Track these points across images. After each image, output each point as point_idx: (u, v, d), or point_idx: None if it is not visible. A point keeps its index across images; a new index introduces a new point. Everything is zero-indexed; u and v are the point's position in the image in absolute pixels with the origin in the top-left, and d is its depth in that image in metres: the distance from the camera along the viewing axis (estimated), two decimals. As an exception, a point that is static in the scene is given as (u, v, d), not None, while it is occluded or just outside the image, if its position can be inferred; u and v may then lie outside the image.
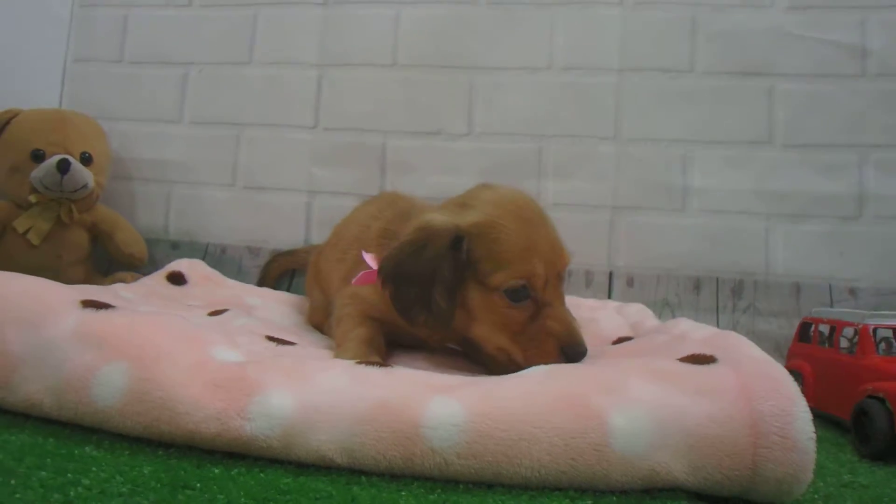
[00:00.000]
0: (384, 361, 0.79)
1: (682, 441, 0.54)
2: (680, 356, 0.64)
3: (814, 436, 0.54)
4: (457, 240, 0.75)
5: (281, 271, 1.37)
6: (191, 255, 1.35)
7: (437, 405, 0.56)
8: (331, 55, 1.39)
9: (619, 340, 0.96)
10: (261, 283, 1.35)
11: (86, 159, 1.30)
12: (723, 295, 1.22)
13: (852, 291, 1.19)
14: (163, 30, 1.46)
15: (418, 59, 1.36)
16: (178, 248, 1.41)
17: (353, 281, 0.86)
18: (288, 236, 1.39)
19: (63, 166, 1.24)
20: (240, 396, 0.58)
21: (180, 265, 1.25)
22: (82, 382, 0.60)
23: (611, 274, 1.26)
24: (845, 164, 1.21)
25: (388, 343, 0.88)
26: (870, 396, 0.80)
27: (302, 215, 1.39)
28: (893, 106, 1.19)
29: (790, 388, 0.56)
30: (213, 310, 1.03)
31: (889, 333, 0.92)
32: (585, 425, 0.54)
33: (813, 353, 0.99)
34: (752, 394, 0.56)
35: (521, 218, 0.75)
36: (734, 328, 1.21)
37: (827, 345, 0.97)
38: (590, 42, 1.30)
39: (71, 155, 1.27)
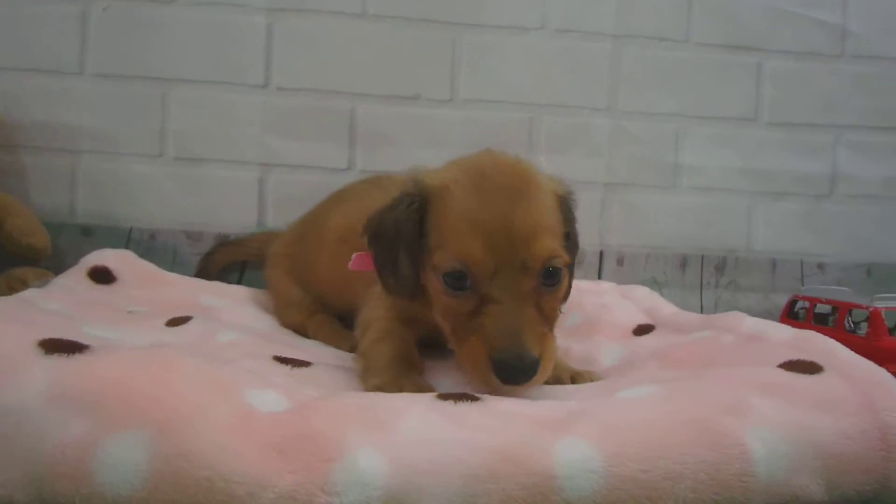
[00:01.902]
0: (421, 374, 0.70)
1: (818, 460, 0.51)
2: (777, 363, 0.60)
3: None
4: (421, 199, 0.64)
5: (225, 264, 1.17)
6: (108, 243, 1.10)
7: (566, 449, 0.47)
8: (284, -2, 1.15)
9: (640, 329, 0.93)
10: (200, 276, 1.14)
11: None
12: (707, 272, 1.24)
13: (820, 266, 1.26)
14: (46, -52, 1.11)
15: (393, 10, 1.17)
16: (92, 235, 1.15)
17: (350, 265, 0.74)
18: (237, 218, 1.18)
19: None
20: (316, 463, 0.44)
21: (104, 257, 1.01)
22: (78, 466, 0.43)
23: (601, 253, 1.23)
24: (821, 145, 1.25)
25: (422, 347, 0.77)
26: None
27: (253, 193, 1.18)
28: (868, 88, 1.24)
29: None
30: (170, 318, 0.85)
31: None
32: (727, 454, 0.49)
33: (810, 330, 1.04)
34: (875, 405, 0.54)
35: (477, 186, 0.61)
36: (716, 304, 1.24)
37: (825, 324, 1.02)
38: (584, 2, 1.19)
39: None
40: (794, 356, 0.61)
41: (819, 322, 1.03)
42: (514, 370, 0.56)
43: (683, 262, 1.24)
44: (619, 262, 1.23)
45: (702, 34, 1.21)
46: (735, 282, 1.24)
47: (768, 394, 0.54)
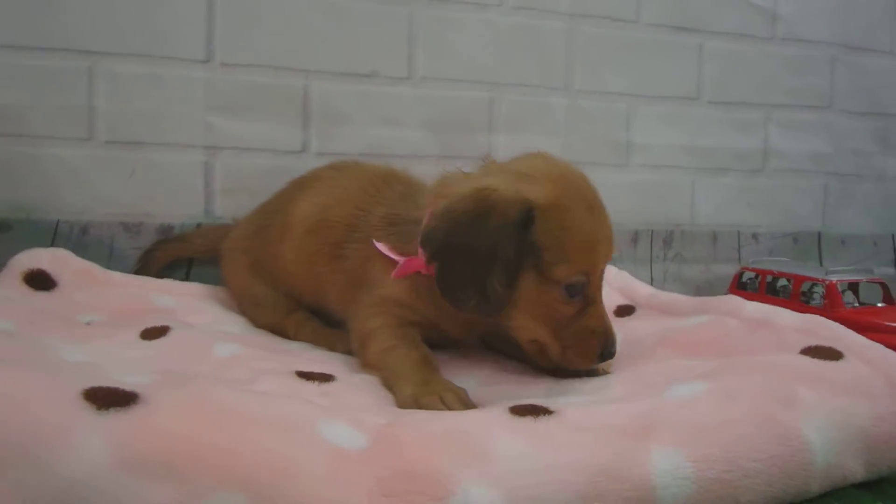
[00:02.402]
0: (443, 377, 0.69)
1: (861, 443, 0.56)
2: (797, 350, 0.65)
3: None
4: (527, 216, 0.65)
5: (168, 262, 1.07)
6: (30, 239, 0.99)
7: (660, 459, 0.49)
8: (227, -35, 1.06)
9: (621, 310, 0.96)
10: (140, 274, 1.04)
11: None
12: (656, 246, 1.30)
13: (755, 237, 1.35)
14: None
15: (348, -18, 1.11)
16: (11, 230, 1.01)
17: (395, 273, 0.72)
18: (181, 207, 1.08)
19: None
20: (428, 503, 0.43)
21: (38, 259, 0.91)
22: None
23: (559, 232, 1.25)
24: (754, 122, 1.33)
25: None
26: None
27: (199, 179, 1.09)
28: (796, 69, 1.33)
29: None
30: (142, 329, 0.77)
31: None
32: (791, 447, 0.53)
33: (763, 300, 1.10)
34: None
35: (588, 205, 0.69)
36: (664, 276, 1.30)
37: (782, 295, 1.09)
38: (541, -20, 1.19)
39: None
40: (811, 342, 0.65)
41: (771, 293, 1.11)
42: (613, 354, 0.71)
43: (635, 237, 1.28)
44: (576, 239, 1.25)
45: (650, 15, 1.25)
46: (681, 254, 1.31)
47: (808, 383, 0.58)
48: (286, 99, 1.10)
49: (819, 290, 1.02)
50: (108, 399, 0.44)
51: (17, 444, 0.40)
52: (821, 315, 0.97)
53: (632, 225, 1.28)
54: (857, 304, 1.04)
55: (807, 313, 0.96)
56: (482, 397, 0.66)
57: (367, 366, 0.73)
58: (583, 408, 0.56)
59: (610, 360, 0.76)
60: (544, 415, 0.53)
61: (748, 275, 1.17)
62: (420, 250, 0.70)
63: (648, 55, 1.25)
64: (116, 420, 0.43)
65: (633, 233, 1.28)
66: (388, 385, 0.68)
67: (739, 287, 1.17)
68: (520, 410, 0.53)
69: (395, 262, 0.74)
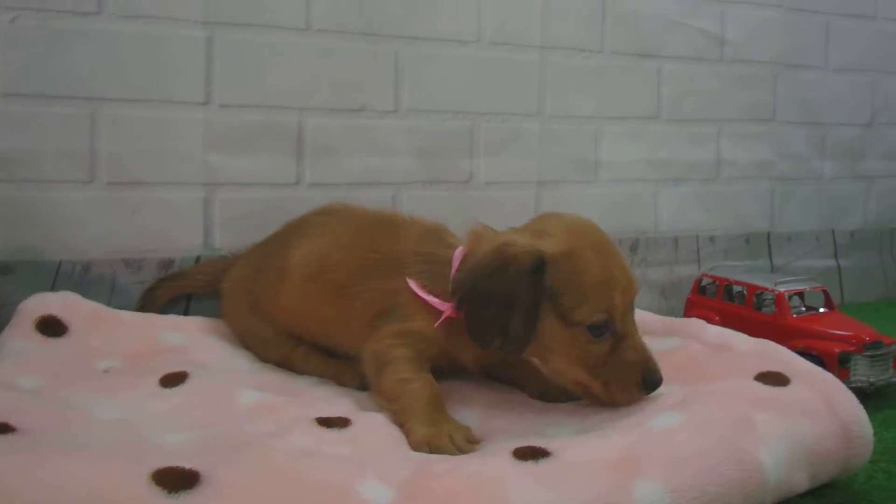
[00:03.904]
0: (450, 415, 0.77)
1: (806, 459, 0.66)
2: (751, 375, 0.74)
3: (872, 430, 0.70)
4: (539, 265, 0.73)
5: (169, 298, 1.10)
6: (34, 280, 1.03)
7: (644, 493, 0.56)
8: (223, 11, 1.11)
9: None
10: (141, 311, 1.08)
11: None
12: (624, 253, 1.41)
13: (711, 240, 1.48)
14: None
15: (337, 25, 1.17)
16: (13, 273, 1.04)
17: (437, 324, 0.79)
18: (181, 242, 1.13)
19: None
20: None
21: (48, 305, 0.94)
22: None
23: (537, 245, 1.35)
24: (708, 136, 1.46)
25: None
26: (801, 353, 1.04)
27: (198, 215, 1.14)
28: (743, 87, 1.47)
29: (853, 396, 0.72)
30: (161, 375, 0.83)
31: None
32: (749, 469, 0.61)
33: (720, 307, 1.23)
34: (835, 408, 0.69)
35: (599, 248, 0.75)
36: (633, 280, 1.42)
37: (737, 301, 1.22)
38: (515, 17, 1.28)
39: None
40: (763, 368, 0.75)
41: (728, 298, 1.23)
42: (658, 382, 0.74)
43: (606, 247, 1.40)
44: (553, 251, 1.36)
45: (614, 44, 1.36)
46: (646, 259, 1.43)
47: (762, 408, 0.67)
48: (281, 135, 1.17)
49: (770, 297, 1.13)
50: (175, 482, 0.51)
51: None
52: (772, 321, 1.10)
53: (602, 235, 1.39)
54: (803, 309, 1.15)
55: (763, 323, 1.10)
56: (484, 430, 0.74)
57: (380, 393, 0.78)
58: (575, 444, 0.64)
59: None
60: (543, 457, 0.60)
61: (707, 280, 1.28)
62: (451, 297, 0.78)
63: (613, 80, 1.36)
64: (186, 502, 0.50)
65: (604, 242, 1.40)
66: (400, 422, 0.73)
67: (700, 292, 1.29)
68: (522, 454, 0.60)
69: (419, 297, 0.81)
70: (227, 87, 1.13)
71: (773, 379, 0.73)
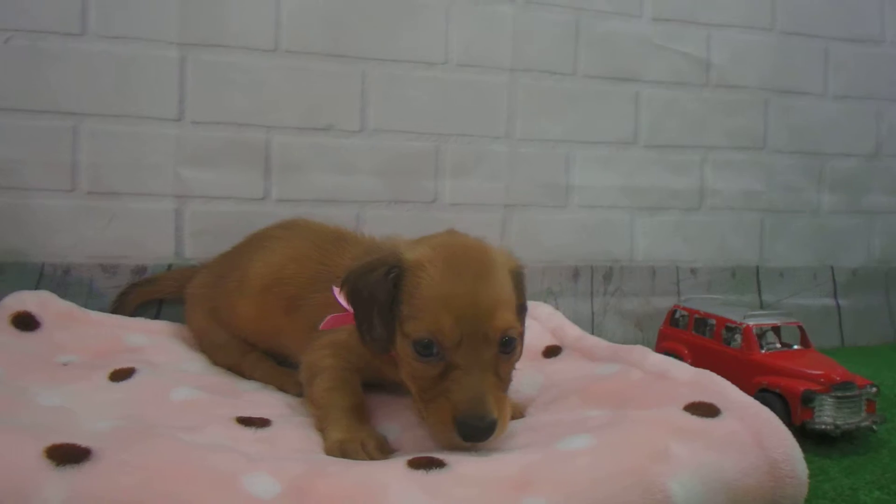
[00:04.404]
0: (370, 425, 0.79)
1: (724, 494, 0.63)
2: (681, 404, 0.72)
3: (808, 471, 0.67)
4: (394, 271, 0.72)
5: (140, 302, 1.18)
6: (19, 280, 1.11)
7: None
8: (196, 33, 1.18)
9: (549, 350, 1.04)
10: (115, 313, 1.15)
11: None
12: (596, 281, 1.39)
13: (693, 271, 1.44)
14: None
15: (304, 46, 1.22)
16: (3, 273, 1.14)
17: (322, 325, 0.81)
18: (154, 250, 1.20)
19: None
20: None
21: (24, 302, 1.02)
22: None
23: (504, 267, 1.35)
24: (690, 163, 1.42)
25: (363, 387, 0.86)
26: (763, 390, 1.00)
27: (170, 225, 1.21)
28: (729, 113, 1.42)
29: (787, 433, 0.68)
30: (111, 370, 0.88)
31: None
32: (656, 500, 0.59)
33: (689, 339, 1.19)
34: (764, 443, 0.66)
35: (450, 266, 0.70)
36: (605, 309, 1.39)
37: (706, 334, 1.17)
38: (484, 39, 1.30)
39: None
40: (696, 398, 0.73)
41: (699, 331, 1.19)
42: (476, 430, 0.65)
43: (575, 273, 1.38)
44: (521, 274, 1.35)
45: (587, 67, 1.35)
46: (621, 289, 1.40)
47: (682, 439, 0.65)
48: (249, 152, 1.22)
49: (739, 330, 1.08)
50: (65, 456, 0.55)
51: None
52: (738, 356, 1.06)
53: (571, 261, 1.38)
54: (778, 346, 1.10)
55: (729, 357, 1.06)
56: (402, 443, 0.75)
57: (310, 400, 0.81)
58: (474, 460, 0.64)
59: (520, 404, 0.85)
60: (437, 467, 0.61)
61: (681, 312, 1.25)
62: None
63: (586, 104, 1.35)
64: (71, 475, 0.53)
65: (573, 269, 1.38)
66: (320, 428, 0.76)
67: (672, 323, 1.25)
68: (416, 463, 0.61)
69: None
70: (199, 105, 1.20)
71: (703, 410, 0.70)
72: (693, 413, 0.70)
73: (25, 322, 0.98)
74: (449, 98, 1.29)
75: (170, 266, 1.21)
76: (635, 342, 1.29)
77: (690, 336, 1.19)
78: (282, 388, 0.94)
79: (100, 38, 1.15)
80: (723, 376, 1.06)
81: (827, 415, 0.93)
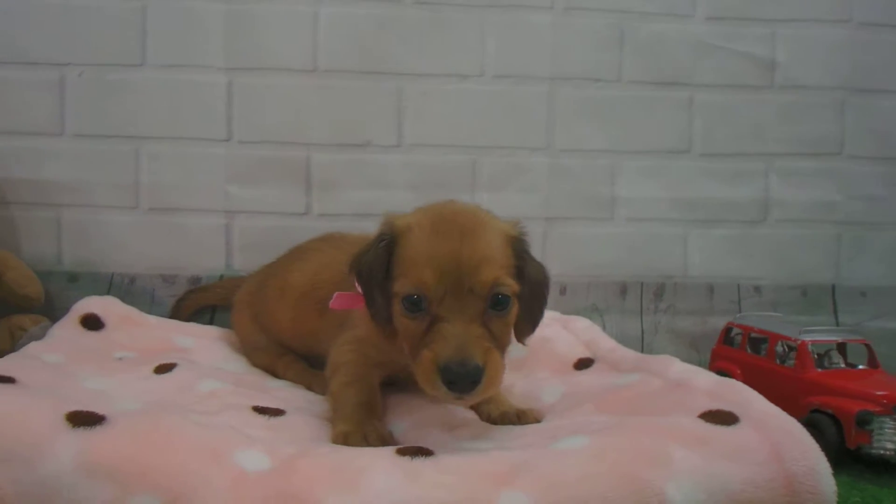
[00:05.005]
0: (382, 419, 0.80)
1: None
2: (697, 412, 0.67)
3: (835, 488, 0.61)
4: (388, 237, 0.74)
5: (195, 308, 1.27)
6: (93, 288, 1.23)
7: (508, 502, 0.56)
8: (240, 58, 1.25)
9: (581, 363, 1.00)
10: (173, 318, 1.25)
11: (-43, 193, 1.11)
12: (646, 298, 1.31)
13: (757, 289, 1.32)
14: (26, 22, 1.23)
15: (341, 65, 1.26)
16: (78, 281, 1.27)
17: (331, 304, 0.83)
18: (207, 262, 1.29)
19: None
20: None
21: (91, 305, 1.12)
22: None
23: (545, 283, 1.31)
24: (752, 172, 1.31)
25: (385, 385, 0.88)
26: (816, 411, 0.91)
27: (221, 239, 1.29)
28: (795, 117, 1.29)
29: (813, 445, 0.62)
30: (157, 364, 0.95)
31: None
32: (648, 502, 0.56)
33: (742, 358, 1.10)
34: (782, 455, 0.61)
35: (435, 226, 0.72)
36: (656, 328, 1.31)
37: (759, 353, 1.08)
38: (521, 49, 1.27)
39: (-66, 192, 1.08)
40: (714, 406, 0.68)
41: (754, 350, 1.09)
42: (458, 376, 0.64)
43: (623, 289, 1.31)
44: (562, 291, 1.31)
45: (633, 73, 1.28)
46: (674, 306, 1.31)
47: (687, 445, 0.61)
48: (291, 169, 1.28)
49: (793, 348, 0.99)
50: (81, 420, 0.61)
51: (10, 448, 0.57)
52: (791, 375, 0.97)
53: (618, 277, 1.31)
54: (842, 366, 1.00)
55: (781, 377, 0.98)
56: (407, 439, 0.76)
57: (329, 393, 0.84)
58: (465, 453, 0.64)
59: (537, 410, 0.83)
60: (422, 456, 0.62)
61: (735, 330, 1.15)
62: None
63: (632, 112, 1.28)
64: (83, 435, 0.59)
65: (620, 284, 1.31)
66: (331, 419, 0.79)
67: (726, 342, 1.16)
68: (404, 451, 0.62)
69: None
70: (244, 125, 1.27)
71: (719, 418, 0.66)
72: (708, 421, 0.65)
73: (92, 322, 1.09)
74: (485, 110, 1.27)
75: (221, 277, 1.29)
76: (690, 363, 1.21)
77: (744, 355, 1.10)
78: (309, 388, 0.99)
79: (156, 68, 1.25)
80: (774, 398, 0.98)
81: (888, 439, 0.84)
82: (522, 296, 0.74)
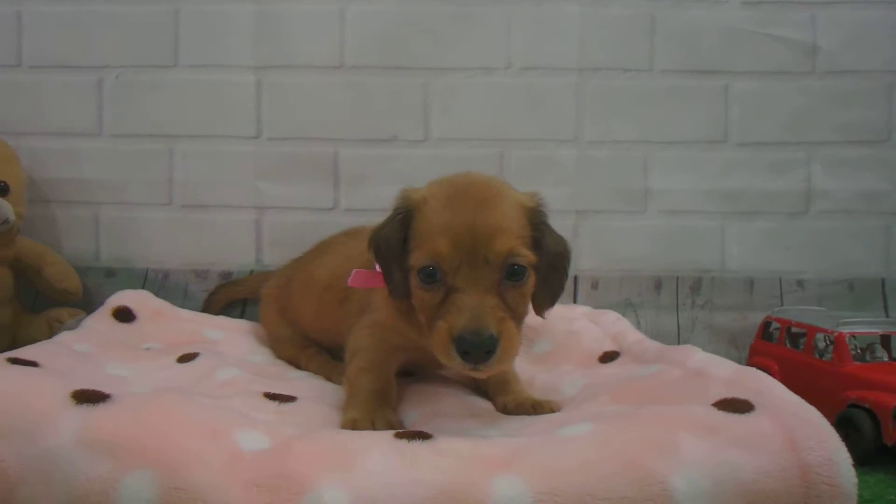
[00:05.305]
0: (395, 407, 0.79)
1: (739, 497, 0.55)
2: (712, 400, 0.65)
3: (856, 480, 0.57)
4: (404, 210, 0.73)
5: (227, 302, 1.29)
6: (128, 283, 1.25)
7: (502, 486, 0.54)
8: (269, 56, 1.27)
9: (606, 356, 0.98)
10: (205, 312, 1.26)
11: (1, 189, 1.15)
12: (682, 293, 1.27)
13: (800, 283, 1.26)
14: (66, 28, 1.27)
15: (367, 60, 1.26)
16: (114, 276, 1.30)
17: (349, 281, 0.82)
18: (238, 257, 1.31)
19: (-25, 203, 1.09)
20: (288, 497, 0.54)
21: (125, 298, 1.15)
22: (103, 497, 0.54)
23: (576, 278, 1.28)
24: (793, 162, 1.25)
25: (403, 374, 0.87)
26: (853, 405, 0.86)
27: (251, 234, 1.31)
28: (840, 103, 1.23)
29: (831, 434, 0.59)
30: (180, 354, 0.97)
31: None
32: (650, 492, 0.54)
33: (779, 352, 1.05)
34: (798, 444, 0.58)
35: (450, 197, 0.71)
36: (693, 324, 1.26)
37: (792, 346, 1.03)
38: (548, 40, 1.25)
39: (-19, 188, 1.12)
40: (730, 394, 0.65)
41: (793, 344, 1.04)
42: (472, 345, 0.63)
43: (658, 284, 1.27)
44: (594, 285, 1.27)
45: (665, 62, 1.24)
46: (711, 301, 1.26)
47: (697, 433, 0.59)
48: (319, 164, 1.28)
49: (830, 340, 0.95)
50: (86, 397, 0.62)
51: (15, 423, 0.58)
52: (827, 369, 0.92)
53: (652, 271, 1.27)
54: (886, 359, 0.95)
55: (817, 371, 0.94)
56: (417, 429, 0.73)
57: (346, 378, 0.84)
58: (466, 438, 0.63)
59: (554, 402, 0.81)
60: (420, 439, 0.61)
61: (774, 325, 1.11)
62: None
63: (664, 101, 1.25)
64: (85, 411, 0.60)
65: (654, 279, 1.27)
66: (343, 405, 0.80)
67: (765, 337, 1.11)
68: (403, 434, 0.62)
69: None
70: (273, 123, 1.28)
71: (733, 406, 0.63)
72: (721, 409, 0.62)
73: (124, 315, 1.11)
74: (512, 103, 1.26)
75: (251, 271, 1.30)
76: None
77: (782, 350, 1.05)
78: (329, 379, 0.99)
79: (188, 69, 1.28)
80: (811, 393, 0.93)
81: None
82: (540, 267, 0.72)
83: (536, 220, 0.74)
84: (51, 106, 1.29)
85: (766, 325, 1.11)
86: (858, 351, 0.95)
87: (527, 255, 0.70)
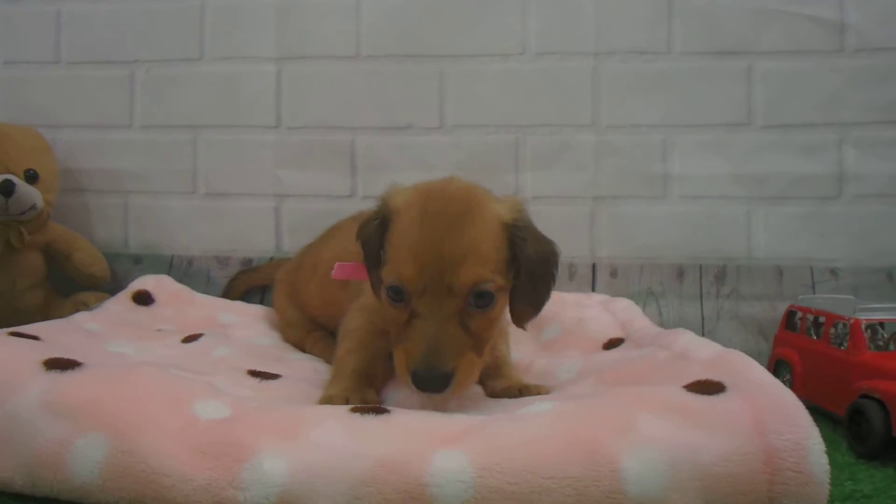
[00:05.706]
0: (377, 391, 0.79)
1: (697, 481, 0.53)
2: (685, 382, 0.62)
3: (828, 468, 0.54)
4: (381, 216, 0.73)
5: (246, 288, 1.31)
6: (155, 269, 1.29)
7: (442, 460, 0.53)
8: (288, 48, 1.30)
9: (611, 342, 0.96)
10: (224, 297, 1.29)
11: (31, 177, 1.21)
12: (706, 281, 1.22)
13: (833, 272, 1.19)
14: (102, 25, 1.34)
15: (383, 50, 1.28)
16: (141, 263, 1.34)
17: (333, 273, 0.83)
18: (258, 244, 1.33)
19: (6, 188, 1.14)
20: (230, 463, 0.54)
21: (146, 283, 1.19)
22: (57, 458, 0.56)
23: (594, 266, 1.25)
24: (824, 144, 1.20)
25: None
26: (864, 396, 0.80)
27: (271, 222, 1.33)
28: (872, 83, 1.17)
29: (803, 418, 0.56)
30: (186, 335, 0.99)
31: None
32: (598, 472, 0.52)
33: (800, 342, 1.00)
34: (765, 428, 0.55)
35: (424, 212, 0.69)
36: (718, 314, 1.21)
37: (815, 336, 0.97)
38: (564, 24, 1.24)
39: (14, 174, 1.17)
40: (706, 375, 0.63)
41: (812, 333, 0.99)
42: (425, 381, 0.64)
43: (680, 272, 1.23)
44: (613, 273, 1.24)
45: (685, 43, 1.21)
46: (737, 290, 1.21)
47: (659, 414, 0.57)
48: (337, 152, 1.30)
49: (846, 328, 0.89)
50: (56, 364, 0.64)
51: None
52: (842, 358, 0.87)
53: (674, 258, 1.23)
54: None
55: (833, 360, 0.90)
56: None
57: (335, 358, 0.84)
58: (424, 414, 0.62)
59: (544, 386, 0.80)
60: (374, 413, 0.60)
61: (798, 314, 1.05)
62: None
63: (685, 84, 1.21)
64: (52, 377, 0.63)
65: (677, 267, 1.23)
66: (326, 384, 0.80)
67: (788, 327, 1.06)
68: (358, 409, 0.62)
69: None
70: (292, 112, 1.31)
71: (704, 387, 0.61)
72: (691, 390, 0.60)
73: (143, 298, 1.15)
74: (528, 89, 1.25)
75: (271, 258, 1.32)
76: (758, 353, 1.11)
77: (802, 339, 1.00)
78: (328, 362, 0.98)
79: (213, 61, 1.32)
80: (827, 384, 0.89)
81: None
82: (520, 280, 0.71)
83: (515, 236, 0.71)
84: (86, 99, 1.35)
85: (791, 314, 1.06)
86: (883, 339, 0.89)
87: (495, 282, 0.68)
